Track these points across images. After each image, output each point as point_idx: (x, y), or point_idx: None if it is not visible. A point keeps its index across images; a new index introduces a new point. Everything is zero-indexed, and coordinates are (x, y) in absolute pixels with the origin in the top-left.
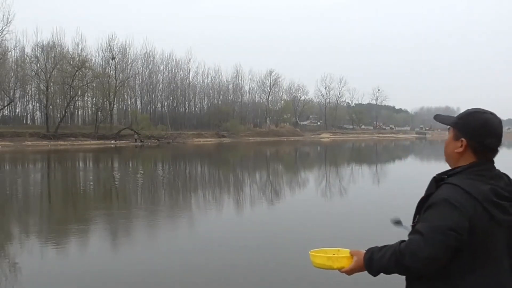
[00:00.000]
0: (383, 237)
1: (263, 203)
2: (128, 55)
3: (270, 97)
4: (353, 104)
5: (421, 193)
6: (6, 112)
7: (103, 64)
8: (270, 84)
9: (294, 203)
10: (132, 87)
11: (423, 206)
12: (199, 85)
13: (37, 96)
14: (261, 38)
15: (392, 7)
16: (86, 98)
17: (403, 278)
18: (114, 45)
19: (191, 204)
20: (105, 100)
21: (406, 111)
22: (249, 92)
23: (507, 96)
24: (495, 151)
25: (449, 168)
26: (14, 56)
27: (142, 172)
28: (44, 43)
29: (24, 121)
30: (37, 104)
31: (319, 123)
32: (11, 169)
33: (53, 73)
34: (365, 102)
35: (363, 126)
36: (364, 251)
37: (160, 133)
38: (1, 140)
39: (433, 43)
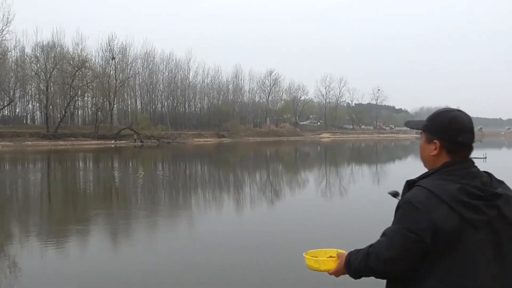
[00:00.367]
0: None
1: (263, 203)
2: (128, 55)
3: (270, 97)
4: (353, 104)
5: None
6: (6, 112)
7: (103, 64)
8: (270, 84)
9: (294, 203)
10: (132, 87)
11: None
12: (199, 85)
13: (37, 96)
14: (261, 38)
15: (392, 7)
16: (86, 98)
17: None
18: (114, 45)
19: (191, 204)
20: (105, 100)
21: (406, 111)
22: (249, 92)
23: (507, 96)
24: (469, 148)
25: None
26: (14, 56)
27: (142, 172)
28: (44, 43)
29: (24, 121)
30: (37, 104)
31: (319, 123)
32: (11, 169)
33: (53, 73)
34: (365, 102)
35: (363, 126)
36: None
37: (160, 133)
38: (1, 140)
39: (433, 43)
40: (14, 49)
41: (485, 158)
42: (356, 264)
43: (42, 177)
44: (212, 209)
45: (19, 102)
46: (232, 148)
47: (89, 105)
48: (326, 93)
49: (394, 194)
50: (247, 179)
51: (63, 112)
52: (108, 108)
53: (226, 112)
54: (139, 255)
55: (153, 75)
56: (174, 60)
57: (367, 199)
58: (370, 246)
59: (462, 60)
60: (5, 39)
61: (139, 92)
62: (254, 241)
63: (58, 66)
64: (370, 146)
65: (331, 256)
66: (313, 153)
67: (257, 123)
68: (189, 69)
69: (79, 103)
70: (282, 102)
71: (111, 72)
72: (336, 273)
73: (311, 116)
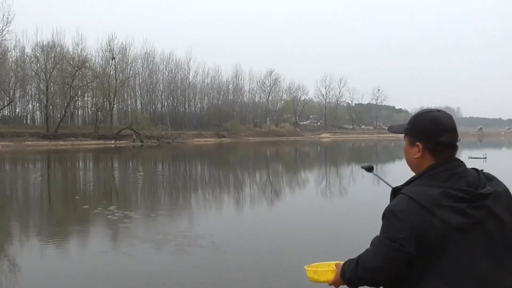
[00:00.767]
0: None
1: (263, 203)
2: (128, 55)
3: (270, 97)
4: (353, 104)
5: None
6: (6, 112)
7: (103, 64)
8: (270, 84)
9: (294, 203)
10: (132, 87)
11: None
12: (199, 85)
13: (37, 96)
14: (261, 38)
15: (392, 9)
16: (86, 98)
17: None
18: (114, 45)
19: (191, 204)
20: (105, 100)
21: (406, 111)
22: (249, 92)
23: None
24: (453, 148)
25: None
26: (14, 56)
27: (142, 172)
28: (44, 43)
29: (24, 121)
30: (37, 104)
31: (319, 123)
32: (11, 169)
33: (53, 73)
34: (365, 102)
35: (363, 126)
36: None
37: (160, 133)
38: (1, 140)
39: (433, 44)
40: (14, 49)
41: (485, 158)
42: (348, 273)
43: (42, 177)
44: (212, 210)
45: (19, 102)
46: (232, 148)
47: (89, 105)
48: (326, 93)
49: (368, 169)
50: (247, 179)
51: (63, 112)
52: (108, 108)
53: (226, 112)
54: (139, 255)
55: (153, 75)
56: (174, 60)
57: (367, 199)
58: (359, 256)
59: (462, 60)
60: (5, 39)
61: (139, 92)
62: (254, 241)
63: (58, 66)
64: (370, 146)
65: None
66: (313, 153)
67: (257, 123)
68: (189, 69)
69: (79, 103)
70: (282, 102)
71: (111, 72)
72: (335, 283)
73: (311, 116)
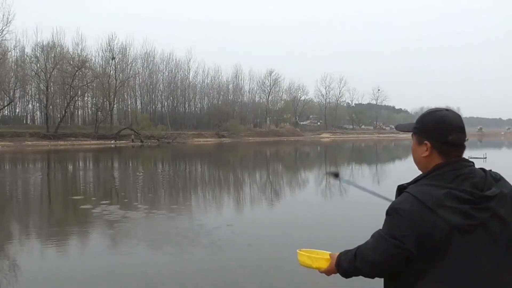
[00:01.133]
0: None
1: (263, 204)
2: (128, 55)
3: (270, 97)
4: (353, 104)
5: None
6: (6, 112)
7: (103, 64)
8: (270, 84)
9: (294, 203)
10: (132, 87)
11: None
12: (199, 85)
13: (37, 96)
14: (261, 38)
15: (392, 9)
16: (86, 98)
17: None
18: (114, 45)
19: (191, 205)
20: (105, 100)
21: (406, 111)
22: (249, 92)
23: (507, 96)
24: (461, 147)
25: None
26: (14, 56)
27: (142, 172)
28: (44, 43)
29: (24, 121)
30: (37, 104)
31: (319, 123)
32: (11, 169)
33: (53, 73)
34: (365, 102)
35: (363, 126)
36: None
37: (160, 133)
38: (1, 140)
39: (433, 44)
40: (14, 49)
41: (485, 158)
42: (345, 264)
43: (42, 177)
44: (212, 210)
45: (19, 102)
46: (232, 148)
47: (89, 105)
48: (326, 93)
49: (335, 175)
50: (247, 179)
51: (63, 112)
52: (108, 108)
53: (226, 112)
54: (139, 255)
55: (153, 75)
56: (174, 60)
57: (367, 199)
58: (358, 247)
59: (462, 60)
60: (5, 39)
61: (139, 92)
62: (254, 241)
63: (58, 66)
64: (370, 146)
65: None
66: (313, 153)
67: (257, 123)
68: (189, 69)
69: (79, 103)
70: (282, 102)
71: (111, 72)
72: (327, 272)
73: (311, 116)
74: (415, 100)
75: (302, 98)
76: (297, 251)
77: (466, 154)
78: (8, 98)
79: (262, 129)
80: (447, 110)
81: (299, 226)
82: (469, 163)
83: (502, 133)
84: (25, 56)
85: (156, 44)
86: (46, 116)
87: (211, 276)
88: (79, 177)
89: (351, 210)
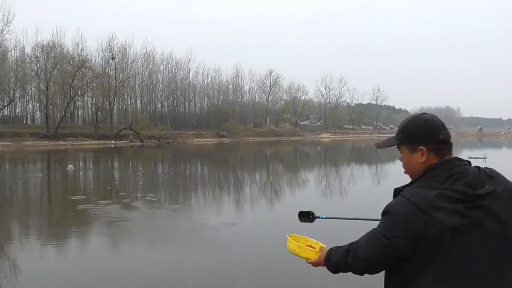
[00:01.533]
0: None
1: (263, 204)
2: (128, 55)
3: (270, 97)
4: (353, 104)
5: None
6: (6, 112)
7: (103, 64)
8: (270, 84)
9: (294, 203)
10: (132, 87)
11: None
12: (199, 85)
13: (37, 96)
14: (261, 38)
15: (392, 9)
16: (86, 98)
17: None
18: (114, 45)
19: (191, 205)
20: (105, 100)
21: (406, 111)
22: (249, 92)
23: (507, 96)
24: (451, 144)
25: None
26: (14, 56)
27: (142, 172)
28: (44, 43)
29: (24, 121)
30: (37, 104)
31: (319, 123)
32: (11, 169)
33: (53, 73)
34: (365, 102)
35: (363, 126)
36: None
37: (160, 133)
38: (1, 140)
39: (433, 44)
40: (14, 49)
41: (485, 158)
42: (336, 259)
43: (42, 177)
44: (212, 210)
45: (19, 102)
46: (232, 148)
47: (89, 105)
48: (326, 93)
49: (309, 215)
50: (247, 179)
51: (63, 112)
52: (108, 108)
53: (226, 112)
54: (139, 255)
55: (153, 75)
56: (174, 60)
57: (367, 199)
58: (351, 243)
59: (462, 60)
60: (5, 39)
61: (139, 92)
62: (254, 242)
63: (58, 66)
64: (370, 146)
65: (310, 246)
66: (313, 153)
67: (257, 123)
68: (189, 69)
69: (79, 103)
70: (282, 102)
71: (111, 72)
72: (314, 264)
73: (311, 116)
74: (415, 100)
75: (302, 98)
76: (287, 236)
77: (466, 154)
78: (8, 98)
79: (262, 129)
80: (424, 113)
81: (299, 226)
82: (462, 162)
83: (502, 133)
84: (25, 56)
85: (156, 44)
86: (46, 116)
87: (211, 276)
88: (79, 177)
89: (351, 210)
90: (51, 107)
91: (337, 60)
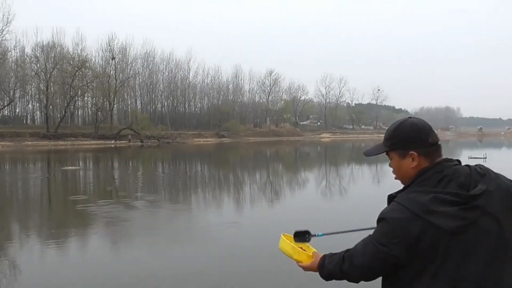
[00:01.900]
0: None
1: (263, 205)
2: (128, 55)
3: (270, 97)
4: (353, 104)
5: None
6: (6, 112)
7: (103, 64)
8: (270, 84)
9: (294, 204)
10: (132, 87)
11: None
12: (199, 85)
13: (37, 96)
14: (261, 38)
15: (392, 9)
16: (86, 98)
17: None
18: (114, 45)
19: (191, 206)
20: (105, 100)
21: (406, 111)
22: (249, 92)
23: (507, 96)
24: (440, 146)
25: None
26: (14, 56)
27: (142, 172)
28: (44, 43)
29: (24, 121)
30: (37, 104)
31: (319, 123)
32: (11, 169)
33: (53, 73)
34: (365, 102)
35: (363, 126)
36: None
37: (160, 133)
38: (1, 140)
39: (433, 44)
40: (14, 49)
41: (485, 158)
42: (330, 266)
43: (42, 177)
44: (212, 210)
45: (19, 102)
46: (232, 148)
47: (89, 105)
48: (326, 93)
49: (305, 234)
50: (247, 179)
51: (63, 112)
52: (108, 108)
53: (226, 112)
54: (139, 258)
55: (153, 75)
56: (174, 60)
57: (368, 200)
58: (347, 250)
59: (462, 60)
60: (5, 39)
61: (139, 92)
62: (254, 245)
63: (58, 66)
64: (370, 147)
65: (301, 248)
66: (313, 153)
67: (257, 123)
68: (189, 69)
69: (79, 103)
70: (282, 102)
71: (111, 72)
72: (306, 268)
73: (311, 116)
74: (415, 100)
75: (302, 98)
76: (281, 235)
77: (466, 154)
78: (8, 98)
79: (262, 129)
80: (410, 117)
81: (299, 227)
82: (453, 162)
83: (502, 133)
84: (25, 56)
85: (156, 44)
86: (46, 116)
87: (212, 278)
88: (78, 177)
89: (351, 211)
90: (51, 107)
91: (337, 60)
